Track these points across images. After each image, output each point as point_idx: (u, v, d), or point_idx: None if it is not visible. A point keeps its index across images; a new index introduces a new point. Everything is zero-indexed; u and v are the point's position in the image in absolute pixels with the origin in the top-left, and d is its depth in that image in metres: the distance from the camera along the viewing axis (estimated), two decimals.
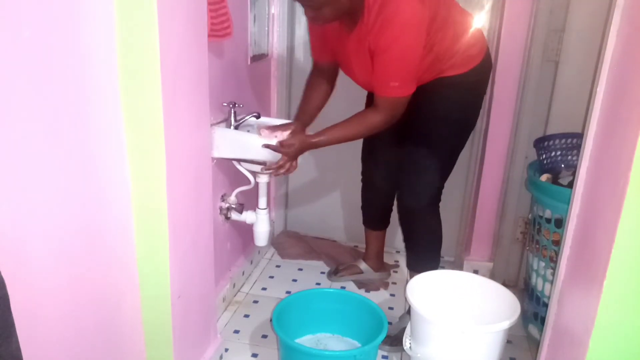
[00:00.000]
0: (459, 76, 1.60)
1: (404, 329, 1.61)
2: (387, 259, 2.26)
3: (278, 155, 1.71)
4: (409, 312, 1.62)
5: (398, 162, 1.77)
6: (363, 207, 2.09)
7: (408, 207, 1.78)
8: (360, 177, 2.34)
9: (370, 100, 1.88)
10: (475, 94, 1.69)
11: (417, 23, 1.43)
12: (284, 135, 1.64)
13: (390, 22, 1.41)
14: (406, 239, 1.88)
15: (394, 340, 1.73)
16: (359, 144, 2.30)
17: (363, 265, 2.15)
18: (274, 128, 1.68)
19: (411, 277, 1.76)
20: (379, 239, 2.12)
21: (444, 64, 1.58)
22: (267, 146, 1.58)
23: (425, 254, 1.82)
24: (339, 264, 2.23)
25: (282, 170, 1.62)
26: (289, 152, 1.59)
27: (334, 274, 2.18)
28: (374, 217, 2.08)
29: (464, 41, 1.59)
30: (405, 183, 1.76)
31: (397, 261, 2.33)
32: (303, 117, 1.81)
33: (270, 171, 1.66)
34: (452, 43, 1.57)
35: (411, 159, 1.72)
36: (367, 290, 2.09)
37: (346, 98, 2.25)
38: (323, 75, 1.80)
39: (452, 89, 1.61)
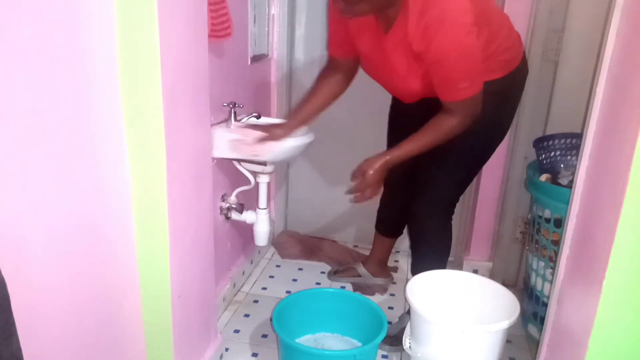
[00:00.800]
0: (490, 83, 1.44)
1: (403, 329, 1.61)
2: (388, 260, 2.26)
3: (278, 154, 1.70)
4: (408, 312, 1.62)
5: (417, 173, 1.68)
6: (379, 211, 2.02)
7: (421, 221, 1.69)
8: None
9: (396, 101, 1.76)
10: (507, 104, 1.56)
11: (467, 19, 1.29)
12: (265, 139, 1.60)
13: (439, 26, 1.28)
14: (413, 248, 1.80)
15: (394, 340, 1.73)
16: (359, 143, 2.31)
17: (361, 270, 2.12)
18: (261, 127, 1.63)
19: None
20: (387, 246, 2.07)
21: None
22: (350, 192, 1.51)
23: (431, 265, 1.72)
24: (340, 264, 2.23)
25: (364, 196, 1.49)
26: (366, 185, 1.46)
27: (333, 274, 2.18)
28: (389, 224, 2.01)
29: (499, 43, 1.44)
30: (422, 197, 1.65)
31: (397, 261, 2.33)
32: (302, 114, 1.67)
33: (353, 196, 1.51)
34: (486, 44, 1.40)
35: (430, 173, 1.62)
36: (362, 295, 2.08)
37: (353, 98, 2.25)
38: (340, 70, 1.66)
39: (483, 97, 1.42)
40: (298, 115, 1.68)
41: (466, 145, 1.53)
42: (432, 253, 1.74)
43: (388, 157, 1.47)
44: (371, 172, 1.46)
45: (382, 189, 1.50)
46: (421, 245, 1.76)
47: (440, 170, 1.58)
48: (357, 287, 2.11)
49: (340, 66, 1.66)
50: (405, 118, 1.75)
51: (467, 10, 1.29)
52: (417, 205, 1.67)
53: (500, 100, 1.51)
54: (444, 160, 1.58)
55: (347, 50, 1.60)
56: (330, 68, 1.68)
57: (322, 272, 2.25)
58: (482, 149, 1.60)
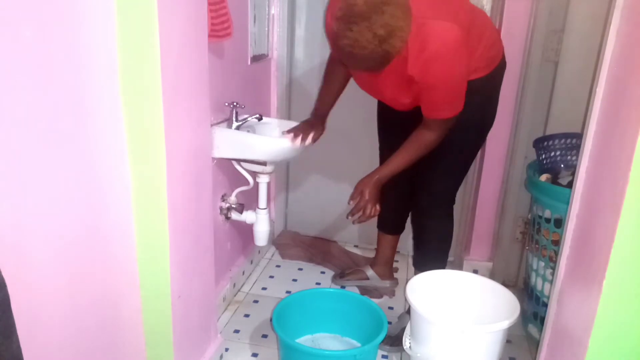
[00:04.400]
0: (481, 79, 1.56)
1: (404, 329, 1.61)
2: None
3: (278, 154, 1.71)
4: (408, 311, 1.62)
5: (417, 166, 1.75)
6: (380, 210, 2.07)
7: (424, 211, 1.78)
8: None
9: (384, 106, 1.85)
10: (493, 97, 1.68)
11: (460, 51, 1.42)
12: (309, 139, 1.71)
13: (436, 59, 1.40)
14: (416, 238, 1.88)
15: (394, 340, 1.73)
16: (360, 143, 2.31)
17: (370, 272, 2.12)
18: (295, 130, 1.72)
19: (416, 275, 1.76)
20: (391, 245, 2.09)
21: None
22: (351, 214, 1.61)
23: (433, 255, 1.82)
24: (345, 267, 2.23)
25: (365, 215, 1.61)
26: (365, 202, 1.59)
27: (340, 277, 2.17)
28: (390, 221, 2.05)
29: (484, 44, 1.56)
30: (424, 188, 1.75)
31: (397, 261, 2.32)
32: (322, 107, 1.83)
33: (354, 217, 1.62)
34: (473, 47, 1.52)
35: (430, 164, 1.69)
36: (370, 298, 2.07)
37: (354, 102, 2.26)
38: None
39: (474, 93, 1.53)
40: (322, 109, 1.84)
41: (461, 141, 1.66)
42: (435, 244, 1.82)
43: (378, 175, 1.62)
44: (367, 190, 1.59)
45: (378, 210, 1.63)
46: (424, 235, 1.83)
47: (439, 166, 1.70)
48: (364, 291, 2.09)
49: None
50: (396, 121, 1.82)
51: (458, 40, 1.40)
52: (420, 200, 1.78)
53: (487, 94, 1.64)
54: (442, 156, 1.67)
55: None
56: (334, 62, 1.81)
57: (322, 272, 2.25)
58: (474, 142, 1.73)
